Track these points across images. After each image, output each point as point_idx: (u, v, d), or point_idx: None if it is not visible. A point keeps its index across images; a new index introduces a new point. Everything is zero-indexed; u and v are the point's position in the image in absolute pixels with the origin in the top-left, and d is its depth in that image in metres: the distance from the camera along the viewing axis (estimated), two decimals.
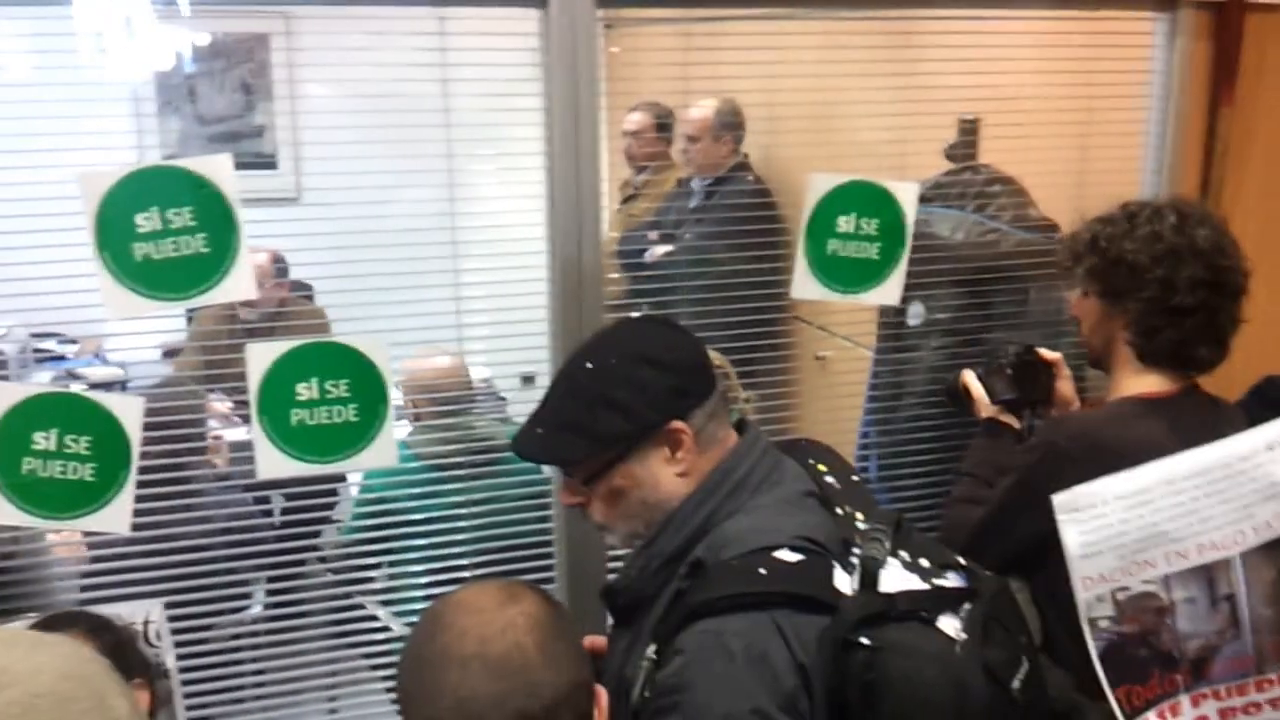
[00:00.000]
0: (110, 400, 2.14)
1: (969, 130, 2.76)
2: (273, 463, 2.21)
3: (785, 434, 2.71)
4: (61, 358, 4.52)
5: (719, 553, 1.53)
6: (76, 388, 2.41)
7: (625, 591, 1.63)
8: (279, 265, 3.97)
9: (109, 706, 1.13)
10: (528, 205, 2.33)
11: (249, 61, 5.02)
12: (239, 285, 2.13)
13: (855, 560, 1.52)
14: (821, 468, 1.69)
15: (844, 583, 1.50)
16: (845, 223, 2.45)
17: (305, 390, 2.20)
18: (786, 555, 1.49)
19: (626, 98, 4.09)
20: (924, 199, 2.55)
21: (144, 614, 2.13)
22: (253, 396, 2.18)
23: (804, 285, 2.46)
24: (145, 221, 2.06)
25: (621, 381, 1.60)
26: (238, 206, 2.10)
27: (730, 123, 3.75)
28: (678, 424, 1.59)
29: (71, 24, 2.12)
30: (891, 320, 2.70)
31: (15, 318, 3.86)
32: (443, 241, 2.33)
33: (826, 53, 2.59)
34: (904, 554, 1.55)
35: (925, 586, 1.51)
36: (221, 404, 3.29)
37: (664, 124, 4.24)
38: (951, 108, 2.75)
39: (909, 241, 2.48)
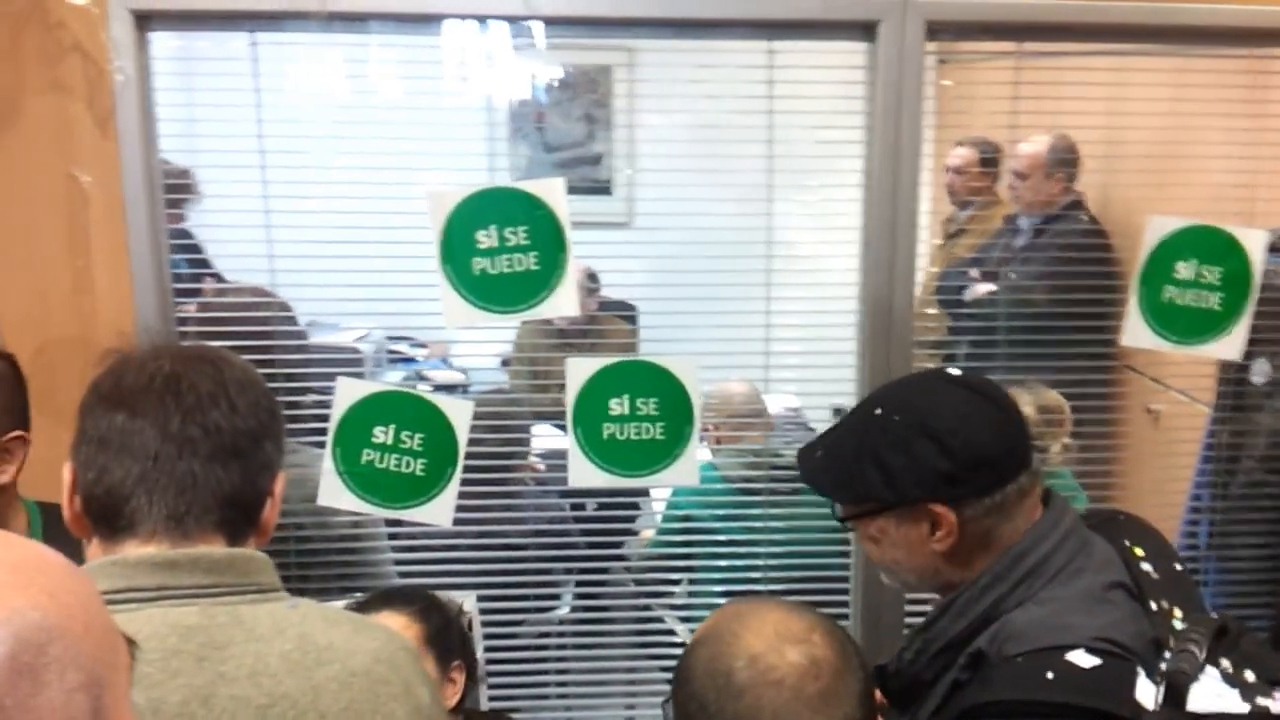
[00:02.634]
0: (443, 401, 2.31)
1: None
2: (583, 472, 2.32)
3: (1107, 490, 2.58)
4: (412, 360, 4.91)
5: (1004, 646, 1.39)
6: (423, 389, 2.61)
7: (898, 676, 1.53)
8: (591, 283, 4.16)
9: (414, 694, 1.22)
10: (845, 237, 2.33)
11: (593, 93, 5.29)
12: (563, 302, 2.26)
13: (1165, 668, 1.35)
14: (1139, 552, 1.51)
15: (1147, 694, 1.32)
16: (1185, 269, 2.31)
17: (617, 405, 2.30)
18: (1080, 658, 1.33)
19: (957, 130, 4.01)
20: (1274, 249, 2.35)
21: (459, 603, 2.26)
22: (569, 408, 2.30)
23: (1136, 333, 2.33)
24: (485, 238, 2.23)
25: (896, 445, 1.49)
26: (568, 228, 2.22)
27: (1064, 159, 3.59)
28: (940, 509, 1.47)
29: (438, 53, 2.31)
30: (1232, 376, 2.51)
31: (376, 320, 4.22)
32: (758, 269, 2.37)
33: (1174, 90, 2.44)
34: (1226, 664, 1.35)
35: (1244, 708, 1.32)
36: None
37: (989, 160, 4.12)
38: None
39: (1255, 293, 2.31)
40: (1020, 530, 1.48)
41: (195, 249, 3.65)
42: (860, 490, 1.52)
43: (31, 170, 2.14)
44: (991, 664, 1.40)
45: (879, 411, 1.54)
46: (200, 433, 1.20)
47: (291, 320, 2.46)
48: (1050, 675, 1.32)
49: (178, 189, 3.42)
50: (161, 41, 2.22)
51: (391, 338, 4.81)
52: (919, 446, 1.47)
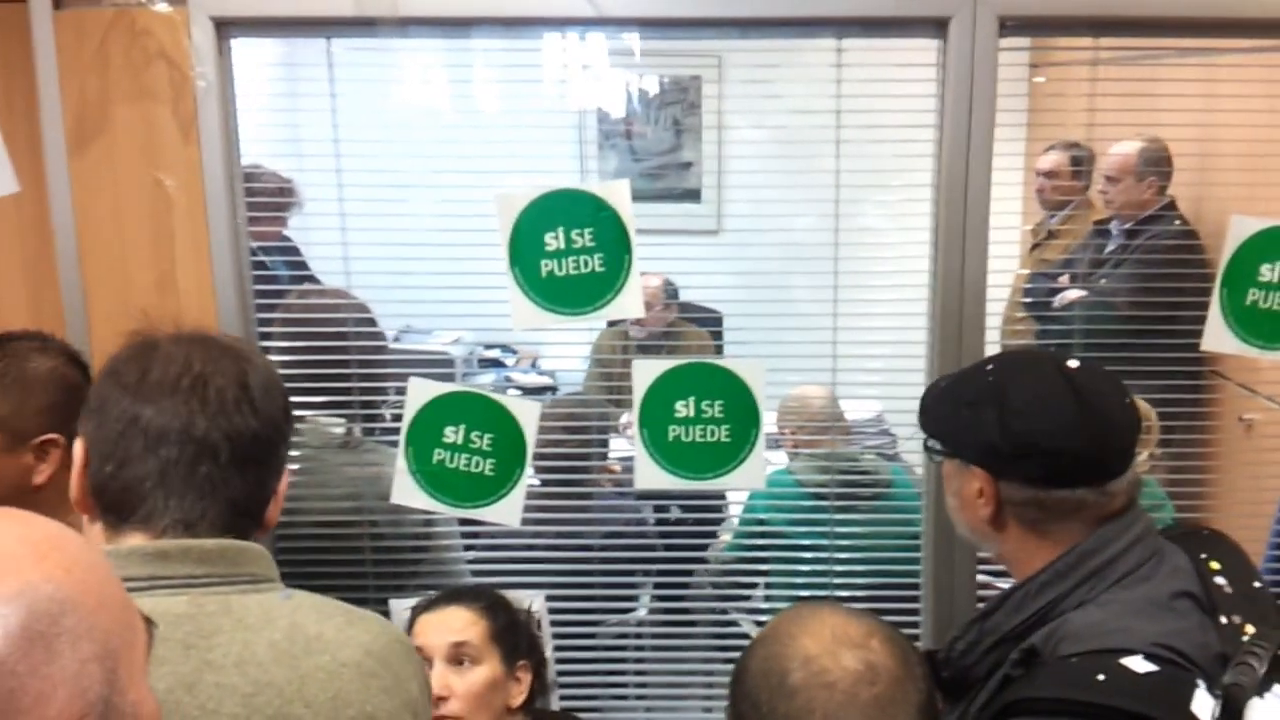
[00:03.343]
0: (511, 403, 2.33)
1: None
2: (649, 474, 2.32)
3: (1197, 500, 2.49)
4: (501, 364, 4.98)
5: (1059, 646, 1.37)
6: (512, 393, 2.63)
7: (948, 665, 1.50)
8: (669, 289, 4.18)
9: (405, 688, 1.22)
10: (916, 238, 2.29)
11: (680, 101, 5.31)
12: (628, 304, 2.26)
13: (1224, 680, 1.31)
14: (1214, 565, 1.47)
15: (1204, 707, 1.27)
16: (1269, 271, 2.22)
17: (683, 408, 2.29)
18: (1136, 664, 1.30)
19: (1053, 131, 3.92)
20: None
21: (526, 603, 2.27)
22: (635, 410, 2.30)
23: (1218, 337, 2.25)
24: (552, 240, 2.24)
25: (973, 403, 1.51)
26: (632, 230, 2.22)
27: (1155, 160, 3.48)
28: (980, 473, 1.50)
29: (520, 56, 2.34)
30: None
31: (467, 324, 4.29)
32: (826, 271, 2.34)
33: (1267, 86, 2.35)
34: None
35: None
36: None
37: (1080, 161, 4.02)
38: None
39: None
40: (1078, 533, 1.45)
41: (296, 256, 3.76)
42: (936, 428, 1.59)
43: (119, 174, 2.21)
44: (1043, 662, 1.37)
45: (989, 367, 1.57)
46: (223, 439, 1.22)
47: (371, 322, 2.50)
48: (1101, 677, 1.29)
49: (280, 195, 3.53)
50: (257, 49, 2.28)
51: (487, 345, 4.88)
52: (985, 412, 1.48)
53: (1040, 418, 1.45)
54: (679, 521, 3.14)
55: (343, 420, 2.43)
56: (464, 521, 2.48)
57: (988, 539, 1.54)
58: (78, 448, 1.23)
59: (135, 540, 1.18)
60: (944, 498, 1.62)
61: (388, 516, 2.42)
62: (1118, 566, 1.42)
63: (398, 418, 2.34)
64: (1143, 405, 2.51)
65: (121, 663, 0.76)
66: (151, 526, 1.19)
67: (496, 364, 4.96)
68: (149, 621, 0.84)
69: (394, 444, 2.34)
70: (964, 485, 1.53)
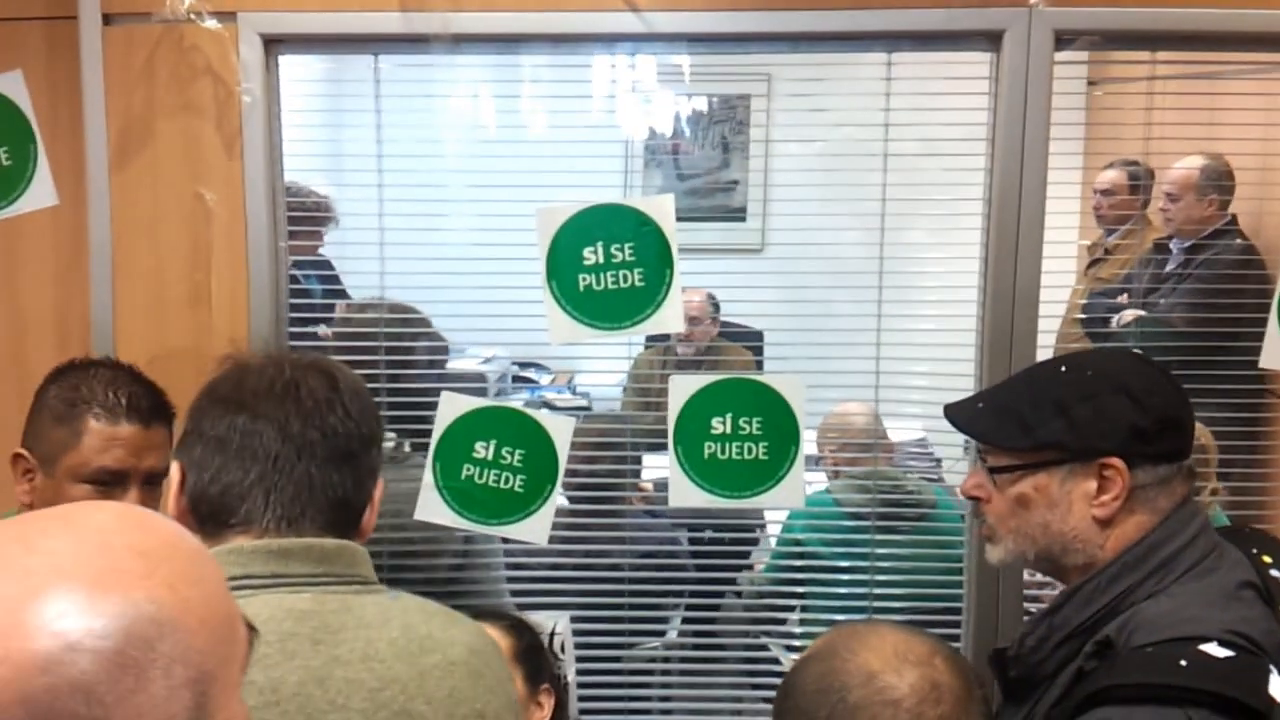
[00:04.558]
0: (545, 418, 2.29)
1: None
2: (684, 492, 2.26)
3: (1260, 527, 2.40)
4: (535, 384, 4.94)
5: (1132, 637, 1.36)
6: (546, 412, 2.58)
7: (1018, 662, 1.48)
8: (712, 304, 4.14)
9: (506, 688, 1.27)
10: (965, 254, 2.24)
11: (729, 120, 5.28)
12: (669, 319, 2.22)
13: None
14: (1266, 559, 1.48)
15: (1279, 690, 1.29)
16: None
17: (719, 424, 2.24)
18: (1214, 649, 1.30)
19: (1112, 144, 3.86)
20: None
21: (551, 625, 2.22)
22: (671, 426, 2.25)
23: (1276, 356, 2.18)
24: (591, 255, 2.20)
25: (1087, 396, 1.48)
26: (675, 246, 2.18)
27: (1217, 177, 3.40)
28: (1118, 465, 1.44)
29: (586, 78, 2.33)
30: None
31: (503, 342, 4.25)
32: (871, 286, 2.29)
33: None
34: None
35: None
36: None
37: (1137, 178, 3.94)
38: None
39: None
40: (1149, 525, 1.46)
41: (329, 271, 3.74)
42: (1041, 437, 1.49)
43: (159, 188, 2.20)
44: (1118, 653, 1.36)
45: (1064, 369, 1.54)
46: (319, 436, 1.25)
47: (435, 336, 2.49)
48: (1183, 662, 1.29)
49: (318, 212, 3.52)
50: (302, 64, 2.28)
51: (520, 363, 4.85)
52: (1111, 400, 1.46)
53: (1165, 392, 1.49)
54: (713, 542, 3.08)
55: (393, 435, 2.40)
56: None
57: (1071, 548, 1.48)
58: (174, 470, 1.26)
59: (240, 542, 1.20)
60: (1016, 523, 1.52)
61: (427, 533, 2.38)
62: (1184, 558, 1.43)
63: (426, 433, 2.30)
64: (1202, 431, 2.44)
65: (215, 684, 0.74)
66: (253, 526, 1.22)
67: (528, 382, 4.92)
68: (251, 628, 0.81)
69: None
70: (1074, 489, 1.48)
